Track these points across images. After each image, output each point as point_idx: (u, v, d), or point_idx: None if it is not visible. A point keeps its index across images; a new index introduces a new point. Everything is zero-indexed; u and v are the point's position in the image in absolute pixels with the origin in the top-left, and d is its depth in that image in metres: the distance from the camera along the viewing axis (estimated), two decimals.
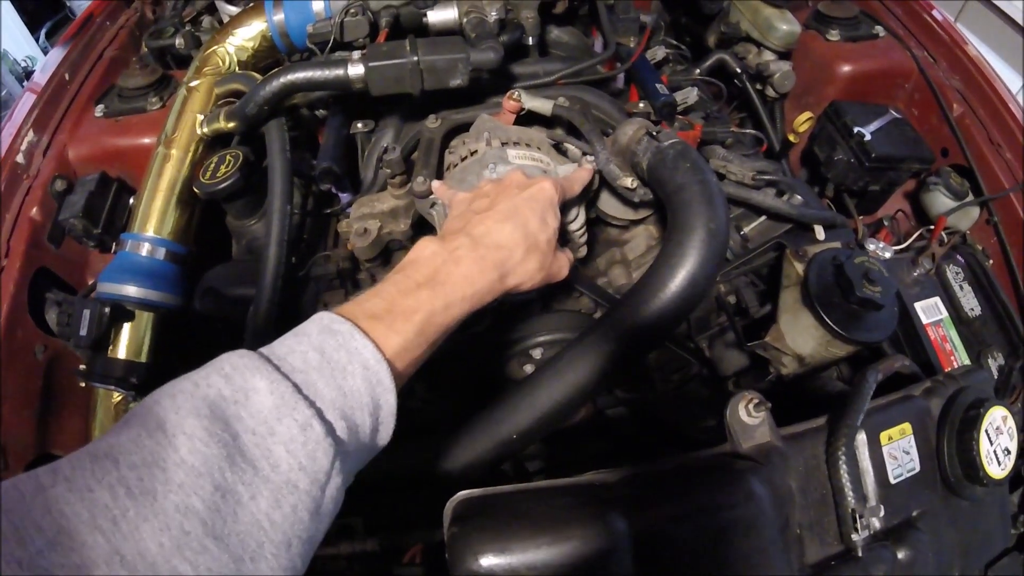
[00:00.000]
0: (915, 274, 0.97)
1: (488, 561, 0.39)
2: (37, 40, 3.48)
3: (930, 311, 0.95)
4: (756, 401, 0.53)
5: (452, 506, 0.46)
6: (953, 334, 0.94)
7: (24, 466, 0.85)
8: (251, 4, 0.98)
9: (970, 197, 1.06)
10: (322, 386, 0.37)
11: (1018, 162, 1.04)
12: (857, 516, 0.51)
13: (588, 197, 0.75)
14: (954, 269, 1.00)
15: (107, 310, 0.82)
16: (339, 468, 0.36)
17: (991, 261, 1.03)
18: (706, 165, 0.67)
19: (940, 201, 1.07)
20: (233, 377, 0.35)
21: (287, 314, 0.71)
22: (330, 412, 0.37)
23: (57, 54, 1.22)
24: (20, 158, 1.03)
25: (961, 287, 0.99)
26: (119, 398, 0.87)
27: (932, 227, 1.04)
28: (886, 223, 1.17)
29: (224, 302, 0.77)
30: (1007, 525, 0.72)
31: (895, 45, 1.21)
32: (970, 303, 0.97)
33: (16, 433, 0.85)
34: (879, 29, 1.22)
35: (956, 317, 0.95)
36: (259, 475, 0.33)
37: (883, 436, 0.58)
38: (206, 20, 1.18)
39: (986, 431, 0.62)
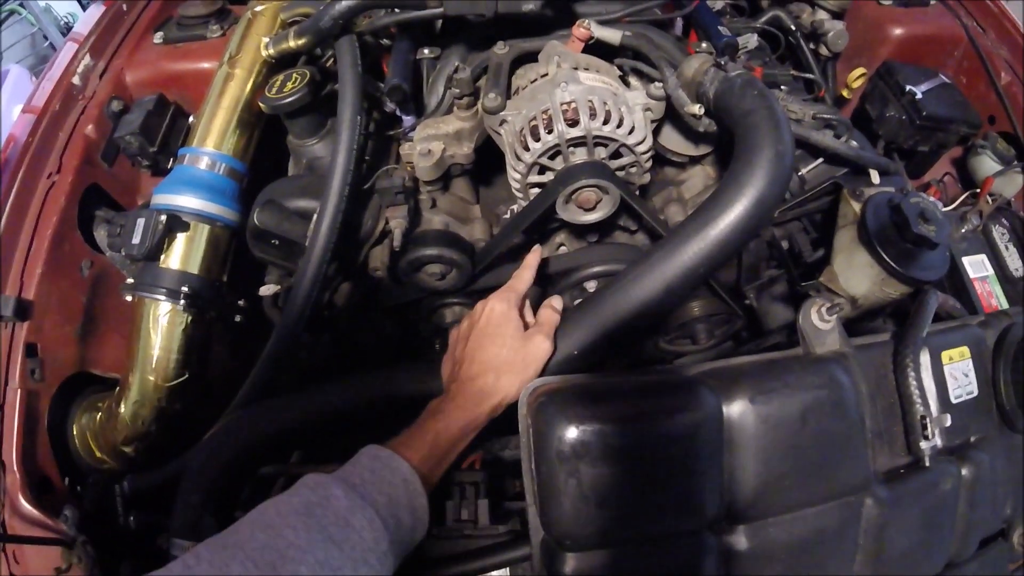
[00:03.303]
0: (963, 230, 1.01)
1: (574, 435, 0.42)
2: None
3: (977, 267, 0.99)
4: (828, 306, 0.55)
5: (528, 395, 0.49)
6: (998, 290, 0.98)
7: (61, 381, 0.88)
8: None
9: (1016, 163, 1.08)
10: (376, 494, 0.52)
11: None
12: (927, 422, 0.52)
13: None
14: (1000, 230, 1.03)
15: (163, 219, 0.83)
16: (393, 552, 0.51)
17: None
18: (771, 94, 0.69)
19: (987, 165, 1.10)
20: (317, 489, 0.51)
21: (350, 222, 0.73)
22: (383, 511, 0.51)
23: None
24: (76, 79, 1.06)
25: (1007, 247, 1.03)
26: (169, 310, 0.86)
27: (978, 190, 1.08)
28: (935, 184, 1.19)
29: (285, 215, 0.79)
30: None
31: (945, 13, 1.25)
32: (1015, 263, 1.00)
33: (55, 349, 0.88)
34: None
35: (1001, 275, 0.99)
36: (343, 552, 0.47)
37: (944, 355, 0.60)
38: None
39: None
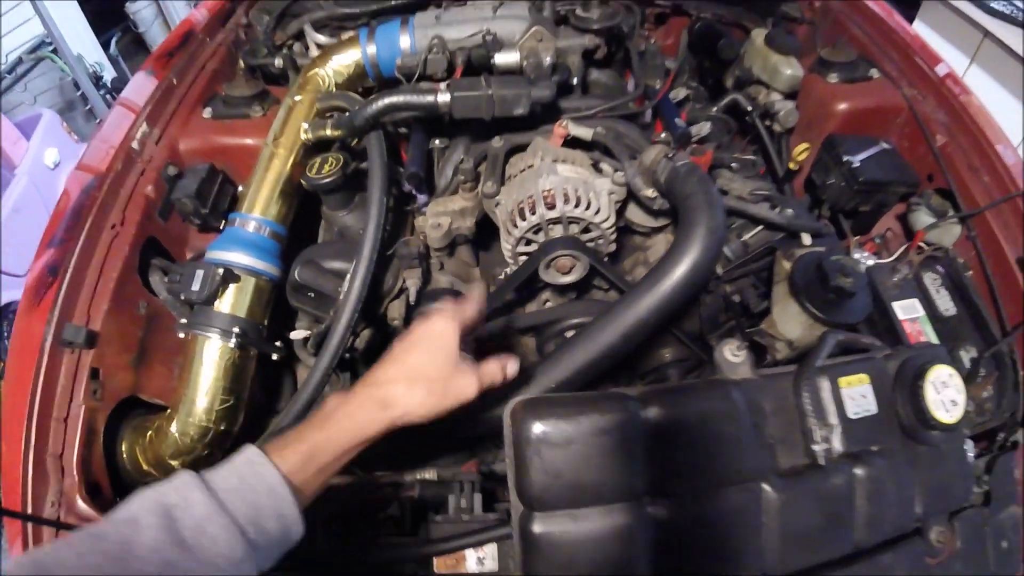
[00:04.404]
0: (895, 279, 1.14)
1: (538, 428, 0.61)
2: (106, 49, 3.86)
3: (908, 309, 1.11)
4: (738, 344, 0.76)
5: (512, 405, 0.68)
6: (928, 329, 1.09)
7: (116, 402, 1.01)
8: (345, 36, 1.25)
9: (951, 215, 1.20)
10: (238, 503, 0.55)
11: (995, 184, 1.20)
12: (816, 430, 0.71)
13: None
14: (931, 276, 1.16)
15: (220, 271, 1.03)
16: (251, 558, 0.55)
17: (971, 272, 1.18)
18: (709, 180, 0.91)
19: (922, 219, 1.23)
20: (181, 490, 0.55)
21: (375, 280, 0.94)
22: (242, 520, 0.55)
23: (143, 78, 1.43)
24: (135, 144, 1.25)
25: (938, 291, 1.15)
26: (220, 346, 1.05)
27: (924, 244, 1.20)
28: (877, 240, 1.34)
29: (321, 273, 1.01)
30: (967, 478, 0.88)
31: (888, 85, 1.41)
32: (945, 304, 1.12)
33: (113, 374, 1.02)
34: (874, 72, 1.43)
35: (932, 315, 1.11)
36: (192, 556, 0.51)
37: (842, 381, 0.78)
38: (296, 46, 1.44)
39: (932, 383, 0.81)
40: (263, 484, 0.57)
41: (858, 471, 0.76)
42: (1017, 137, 2.76)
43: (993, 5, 2.78)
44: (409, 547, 0.72)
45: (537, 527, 0.59)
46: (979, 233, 1.18)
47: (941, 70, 1.41)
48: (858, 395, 0.81)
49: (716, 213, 0.85)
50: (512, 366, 0.69)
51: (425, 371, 0.64)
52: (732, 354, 0.76)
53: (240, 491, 0.56)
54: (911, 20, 3.45)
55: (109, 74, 3.91)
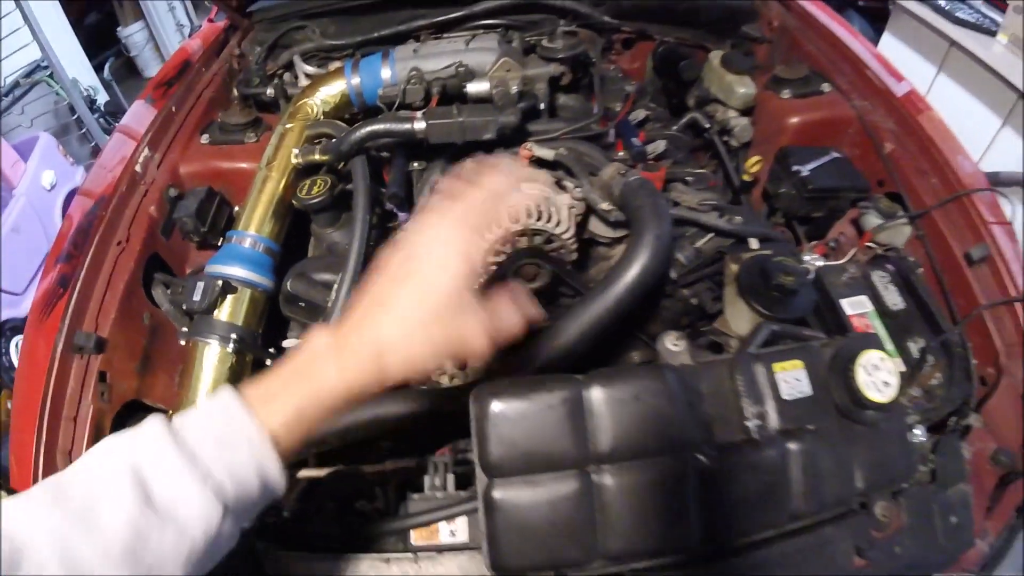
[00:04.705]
0: (843, 277, 1.20)
1: (497, 405, 0.72)
2: (99, 73, 3.99)
3: (856, 305, 1.17)
4: (678, 335, 0.87)
5: (475, 391, 0.78)
6: (877, 323, 1.15)
7: (121, 405, 1.09)
8: (332, 67, 1.37)
9: (901, 216, 1.28)
10: (215, 457, 0.50)
11: (943, 186, 1.27)
12: (749, 408, 0.81)
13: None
14: (880, 274, 1.22)
15: (219, 283, 1.14)
16: (227, 516, 0.50)
17: (921, 269, 1.24)
18: (657, 192, 1.03)
19: (871, 221, 1.30)
20: (156, 441, 0.50)
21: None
22: (221, 475, 0.50)
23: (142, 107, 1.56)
24: (138, 168, 1.35)
25: (886, 287, 1.20)
26: (219, 351, 1.14)
27: (869, 244, 1.29)
28: (832, 244, 1.43)
29: (311, 284, 1.12)
30: (909, 456, 0.93)
31: (839, 98, 1.49)
32: (893, 299, 1.18)
33: (119, 379, 1.11)
34: (826, 86, 1.52)
35: (881, 310, 1.17)
36: (165, 520, 0.47)
37: (776, 366, 0.86)
38: (286, 76, 1.57)
39: (863, 366, 0.86)
40: (242, 438, 0.51)
41: (791, 445, 0.83)
42: (984, 142, 2.92)
43: (959, 15, 2.92)
44: (388, 522, 0.83)
45: (497, 493, 0.70)
46: (928, 232, 1.26)
47: (903, 88, 1.48)
48: (792, 379, 0.88)
49: (663, 221, 0.97)
50: (532, 308, 0.61)
51: (424, 311, 0.54)
52: (672, 344, 0.88)
53: (218, 448, 0.51)
54: (880, 32, 3.63)
55: (102, 97, 4.04)
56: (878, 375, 0.87)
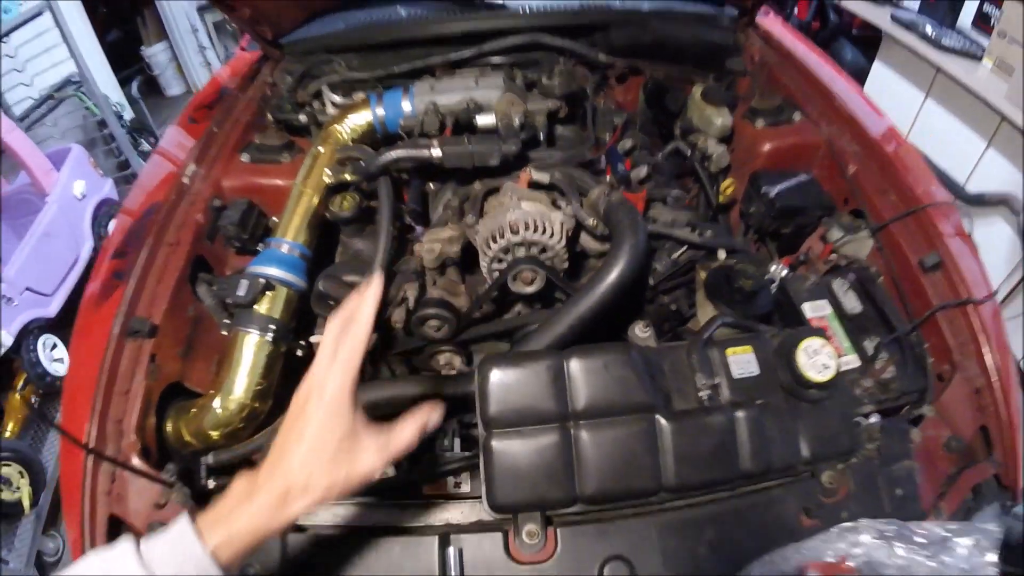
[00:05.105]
0: (806, 285, 1.37)
1: (496, 372, 0.93)
2: (126, 91, 4.27)
3: (817, 308, 1.32)
4: (646, 324, 1.07)
5: (480, 362, 0.97)
6: (836, 324, 1.29)
7: (166, 385, 1.24)
8: (356, 97, 1.60)
9: (864, 231, 1.43)
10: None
11: (901, 202, 1.41)
12: (702, 381, 1.00)
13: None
14: (840, 281, 1.37)
15: (262, 281, 1.33)
16: None
17: (882, 278, 1.38)
18: (635, 210, 1.24)
19: (834, 235, 1.45)
20: (120, 561, 0.60)
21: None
22: None
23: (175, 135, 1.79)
24: (186, 179, 1.56)
25: (845, 293, 1.35)
26: (257, 340, 1.31)
27: (832, 255, 1.44)
28: (802, 257, 1.58)
29: (340, 284, 1.33)
30: (852, 431, 1.06)
31: (808, 126, 1.66)
32: (851, 304, 1.32)
33: (166, 361, 1.26)
34: (797, 115, 1.69)
35: (839, 313, 1.31)
36: None
37: (728, 351, 1.06)
38: (315, 104, 1.79)
39: (804, 350, 1.00)
40: (193, 559, 0.61)
41: (739, 413, 1.00)
42: (971, 163, 3.06)
43: (945, 42, 3.10)
44: (404, 478, 1.03)
45: (494, 442, 0.90)
46: (886, 244, 1.39)
47: (881, 126, 1.62)
48: (743, 361, 1.06)
49: (639, 232, 1.17)
50: (435, 415, 0.73)
51: (320, 449, 0.65)
52: (640, 331, 1.09)
53: (172, 565, 0.60)
54: (871, 60, 3.84)
55: (128, 114, 4.29)
56: (818, 359, 1.03)
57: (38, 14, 3.53)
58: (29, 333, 2.92)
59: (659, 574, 0.92)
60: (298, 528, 0.97)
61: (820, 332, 1.08)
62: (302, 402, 0.67)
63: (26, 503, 2.55)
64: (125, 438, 1.12)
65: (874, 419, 1.14)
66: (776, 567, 0.86)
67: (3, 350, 2.78)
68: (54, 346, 3.04)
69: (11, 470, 2.54)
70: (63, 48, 3.66)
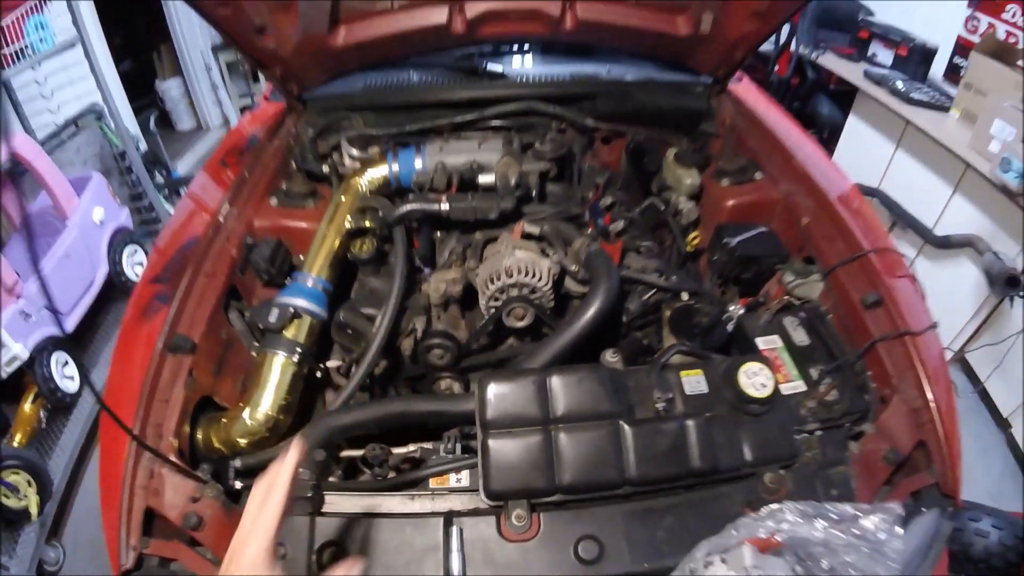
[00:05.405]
0: (760, 322, 1.54)
1: (493, 386, 1.18)
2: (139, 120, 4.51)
3: (769, 342, 1.48)
4: (614, 351, 1.32)
5: (480, 378, 1.22)
6: (786, 356, 1.45)
7: (200, 397, 1.38)
8: (372, 151, 1.87)
9: (815, 275, 1.60)
10: None
11: (847, 249, 1.55)
12: (658, 395, 1.23)
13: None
14: (791, 319, 1.54)
15: (291, 310, 1.57)
16: None
17: (831, 315, 1.54)
18: (611, 258, 1.50)
19: (787, 279, 1.63)
20: None
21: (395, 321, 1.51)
22: None
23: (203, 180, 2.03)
24: (221, 218, 1.75)
25: (795, 328, 1.51)
26: (284, 360, 1.50)
27: (784, 296, 1.60)
28: (761, 299, 1.66)
29: (359, 316, 1.57)
30: (791, 440, 1.22)
31: (768, 184, 1.88)
32: (800, 337, 1.49)
33: (201, 376, 1.41)
34: (759, 174, 1.92)
35: (789, 346, 1.47)
36: None
37: (682, 373, 1.30)
38: (335, 156, 2.05)
39: (744, 372, 1.22)
40: None
41: (690, 422, 1.21)
42: (939, 208, 3.27)
43: (914, 96, 3.34)
44: (414, 474, 1.26)
45: (490, 441, 1.15)
46: (834, 286, 1.55)
47: (835, 183, 1.79)
48: (694, 381, 1.30)
49: (613, 276, 1.43)
50: (358, 567, 0.83)
51: None
52: (610, 356, 1.34)
53: None
54: (846, 113, 4.12)
55: (142, 146, 4.53)
56: (756, 379, 1.25)
57: (71, 45, 3.78)
58: (43, 349, 3.04)
59: (624, 551, 1.14)
60: (323, 513, 1.19)
61: (762, 358, 1.29)
62: (227, 561, 0.76)
63: (33, 511, 2.64)
64: (164, 440, 1.25)
65: (818, 434, 1.31)
66: (719, 544, 1.07)
67: (20, 363, 2.90)
68: (66, 363, 3.16)
69: (19, 478, 2.63)
70: (89, 79, 3.89)
